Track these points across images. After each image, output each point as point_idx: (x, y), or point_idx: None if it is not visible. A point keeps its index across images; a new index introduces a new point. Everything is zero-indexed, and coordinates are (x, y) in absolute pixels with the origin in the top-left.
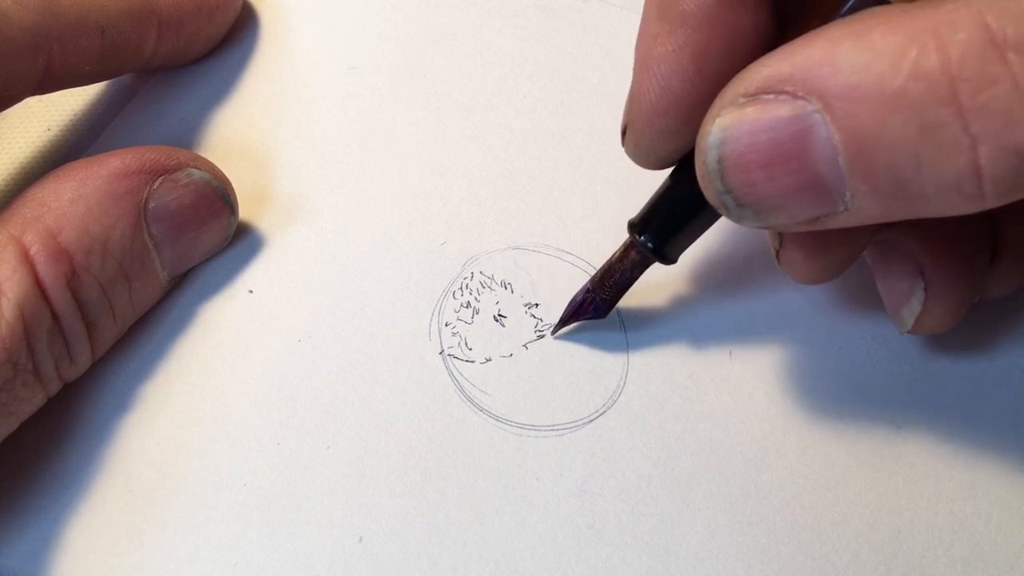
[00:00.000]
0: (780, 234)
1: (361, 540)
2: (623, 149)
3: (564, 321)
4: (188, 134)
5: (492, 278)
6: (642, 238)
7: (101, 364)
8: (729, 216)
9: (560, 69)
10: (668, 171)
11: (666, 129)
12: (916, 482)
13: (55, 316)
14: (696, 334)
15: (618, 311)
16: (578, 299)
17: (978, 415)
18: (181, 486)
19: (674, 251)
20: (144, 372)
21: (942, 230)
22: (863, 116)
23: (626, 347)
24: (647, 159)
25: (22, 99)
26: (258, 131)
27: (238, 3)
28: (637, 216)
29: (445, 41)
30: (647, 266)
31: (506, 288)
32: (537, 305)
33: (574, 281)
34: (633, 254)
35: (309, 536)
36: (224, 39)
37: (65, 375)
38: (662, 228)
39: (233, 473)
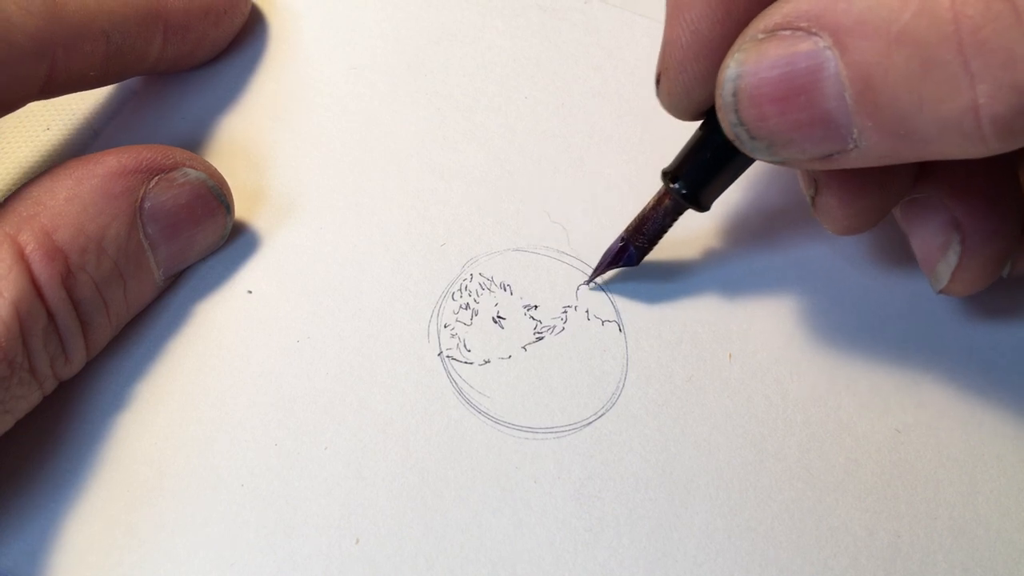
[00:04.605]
0: (816, 180)
1: (358, 541)
2: (657, 99)
3: (600, 269)
4: (187, 134)
5: (491, 279)
6: (675, 185)
7: (97, 363)
8: (743, 148)
9: (561, 70)
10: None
11: (698, 73)
12: (915, 487)
13: (50, 315)
14: (696, 336)
15: (618, 313)
16: (614, 248)
17: (978, 420)
18: (179, 486)
19: (707, 198)
20: (140, 371)
21: (977, 185)
22: (869, 53)
23: (625, 349)
24: (681, 106)
25: (25, 104)
26: (257, 130)
27: (246, 8)
28: (671, 164)
29: (446, 41)
30: (680, 213)
31: (505, 290)
32: (536, 307)
33: (574, 283)
34: (667, 201)
35: (306, 537)
36: None
37: (60, 373)
38: (695, 175)
39: (231, 473)
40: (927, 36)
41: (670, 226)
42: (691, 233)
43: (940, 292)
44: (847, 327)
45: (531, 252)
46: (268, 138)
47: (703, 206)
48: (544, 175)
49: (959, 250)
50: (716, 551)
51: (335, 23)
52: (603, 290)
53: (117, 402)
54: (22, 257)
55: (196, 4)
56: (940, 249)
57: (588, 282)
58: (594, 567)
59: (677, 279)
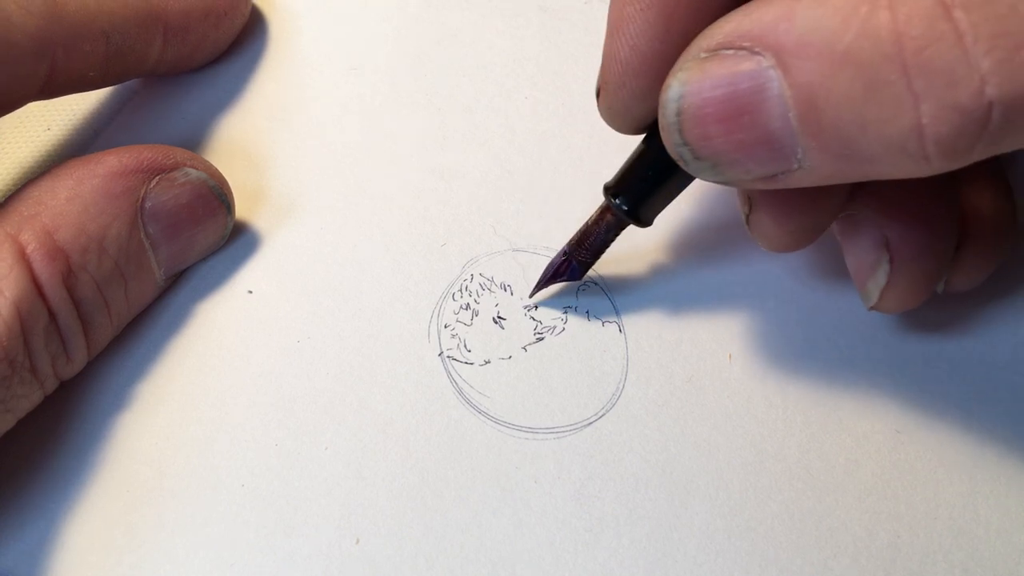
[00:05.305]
0: (750, 199)
1: (358, 541)
2: (598, 113)
3: (542, 283)
4: (187, 134)
5: (492, 280)
6: (617, 200)
7: (98, 362)
8: (688, 169)
9: (561, 70)
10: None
11: (637, 89)
12: (915, 487)
13: (51, 314)
14: (696, 337)
15: (618, 314)
16: (556, 262)
17: (978, 420)
18: (179, 486)
19: (648, 213)
20: (141, 371)
21: (909, 204)
22: (813, 73)
23: (625, 350)
24: (621, 122)
25: (25, 104)
26: (258, 130)
27: (246, 10)
28: (612, 179)
29: (446, 41)
30: (622, 228)
31: (505, 290)
32: (536, 307)
33: (574, 283)
34: (608, 216)
35: (306, 537)
36: None
37: (61, 373)
38: (636, 190)
39: (231, 473)
40: (870, 57)
41: (612, 241)
42: (692, 234)
43: (871, 309)
44: (847, 327)
45: (531, 252)
46: (268, 138)
47: (644, 222)
48: (544, 175)
49: (888, 269)
50: (716, 551)
51: (335, 23)
52: (603, 291)
53: (118, 402)
54: (23, 257)
55: (196, 6)
56: (870, 267)
57: (531, 296)
58: (594, 567)
59: (678, 280)
